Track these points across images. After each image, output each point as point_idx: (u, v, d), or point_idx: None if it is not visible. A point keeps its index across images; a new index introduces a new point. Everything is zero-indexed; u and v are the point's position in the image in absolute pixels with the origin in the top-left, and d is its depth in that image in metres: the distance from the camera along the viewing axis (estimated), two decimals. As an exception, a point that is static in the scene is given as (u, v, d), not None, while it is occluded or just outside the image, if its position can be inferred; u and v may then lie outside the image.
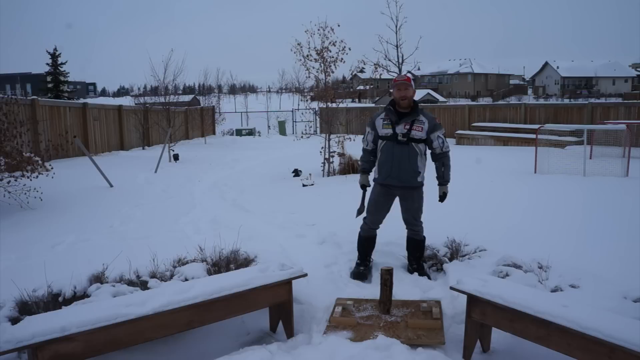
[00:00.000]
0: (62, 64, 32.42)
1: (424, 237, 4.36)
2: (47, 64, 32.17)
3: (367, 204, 4.41)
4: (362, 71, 12.02)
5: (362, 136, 4.62)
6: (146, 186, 9.20)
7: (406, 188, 4.18)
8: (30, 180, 6.97)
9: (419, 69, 64.49)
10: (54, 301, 3.32)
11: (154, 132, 18.41)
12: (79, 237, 5.43)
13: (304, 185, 9.02)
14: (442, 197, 4.28)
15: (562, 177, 8.94)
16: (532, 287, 3.46)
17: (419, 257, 4.36)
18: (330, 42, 10.20)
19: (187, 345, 3.27)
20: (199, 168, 12.13)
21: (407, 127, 4.07)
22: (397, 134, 4.08)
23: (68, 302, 3.31)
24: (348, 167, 10.14)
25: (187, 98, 37.47)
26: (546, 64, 75.32)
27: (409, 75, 4.31)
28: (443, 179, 4.24)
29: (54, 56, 32.11)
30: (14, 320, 3.06)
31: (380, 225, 4.41)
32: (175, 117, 18.39)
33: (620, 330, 2.40)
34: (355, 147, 8.82)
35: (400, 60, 12.25)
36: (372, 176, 4.44)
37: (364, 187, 4.44)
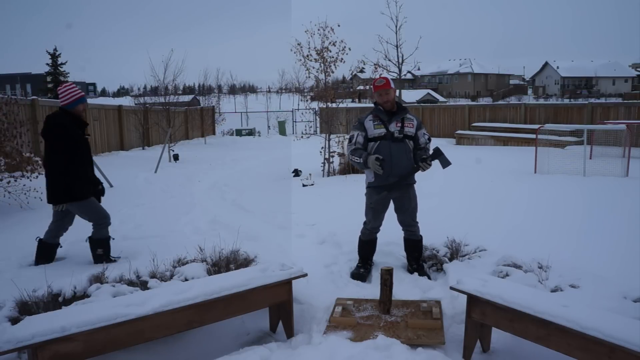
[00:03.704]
0: (62, 64, 32.47)
1: (421, 237, 4.37)
2: (47, 64, 32.22)
3: (365, 212, 4.41)
4: (362, 71, 12.03)
5: None
6: (146, 186, 9.20)
7: (403, 187, 4.20)
8: (30, 180, 6.96)
9: (419, 69, 64.81)
10: (54, 301, 3.32)
11: (153, 132, 18.40)
12: (79, 237, 5.42)
13: (304, 185, 9.02)
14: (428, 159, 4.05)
15: (562, 177, 8.94)
16: (532, 287, 3.46)
17: (418, 257, 4.37)
18: (330, 42, 10.21)
19: (187, 345, 3.27)
20: (199, 168, 12.13)
21: (399, 125, 4.15)
22: (392, 132, 4.13)
23: (68, 302, 3.31)
24: (348, 167, 10.15)
25: (187, 98, 37.46)
26: (546, 64, 75.33)
27: (387, 76, 4.32)
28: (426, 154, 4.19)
29: (54, 56, 32.15)
30: (14, 320, 3.06)
31: (380, 228, 4.42)
32: (175, 117, 18.37)
33: (620, 330, 2.40)
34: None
35: (400, 60, 12.26)
36: (365, 179, 4.41)
37: (378, 160, 3.98)
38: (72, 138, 4.40)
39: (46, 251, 4.63)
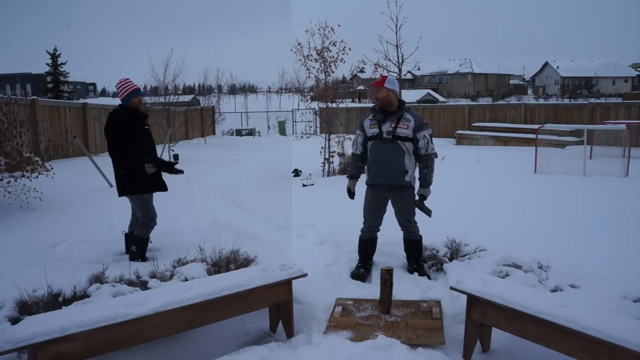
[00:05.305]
0: (62, 64, 32.41)
1: (420, 237, 4.37)
2: (47, 64, 32.16)
3: (362, 210, 4.44)
4: (362, 71, 12.01)
5: None
6: (146, 186, 9.19)
7: (395, 188, 4.18)
8: (30, 180, 6.96)
9: (419, 69, 64.78)
10: (54, 301, 3.32)
11: (153, 132, 18.27)
12: (79, 237, 5.42)
13: (304, 185, 9.02)
14: (420, 199, 4.22)
15: (562, 177, 8.94)
16: (532, 287, 3.46)
17: (418, 257, 4.37)
18: (330, 42, 10.20)
19: (187, 345, 3.27)
20: (199, 168, 12.12)
21: (393, 125, 4.13)
22: (382, 132, 4.13)
23: (68, 302, 3.31)
24: (348, 167, 10.14)
25: (187, 98, 37.46)
26: (546, 64, 75.31)
27: (386, 75, 4.34)
28: (424, 180, 4.20)
29: (54, 56, 32.09)
30: (14, 320, 3.06)
31: (380, 227, 4.42)
32: (175, 117, 18.37)
33: (620, 330, 2.40)
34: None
35: (400, 60, 12.23)
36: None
37: (349, 191, 4.46)
38: (127, 131, 4.47)
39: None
